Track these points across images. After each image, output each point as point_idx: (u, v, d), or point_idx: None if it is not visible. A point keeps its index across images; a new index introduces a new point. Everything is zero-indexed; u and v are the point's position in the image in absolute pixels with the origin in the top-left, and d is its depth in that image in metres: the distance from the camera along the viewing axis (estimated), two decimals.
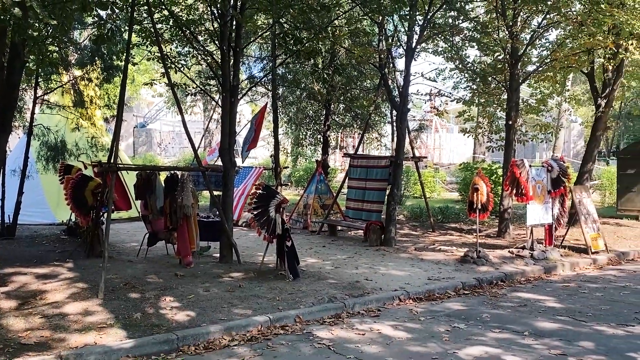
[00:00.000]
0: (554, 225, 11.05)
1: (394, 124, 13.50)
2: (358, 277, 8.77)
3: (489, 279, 9.03)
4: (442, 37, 13.42)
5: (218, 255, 9.83)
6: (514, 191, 10.45)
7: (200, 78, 15.04)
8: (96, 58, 13.15)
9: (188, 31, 10.22)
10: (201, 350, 5.76)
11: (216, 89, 12.58)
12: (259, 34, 12.50)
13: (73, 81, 13.73)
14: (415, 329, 6.51)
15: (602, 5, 10.89)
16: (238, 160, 11.34)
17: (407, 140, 13.50)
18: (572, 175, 13.44)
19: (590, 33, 11.70)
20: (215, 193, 10.48)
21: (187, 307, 6.84)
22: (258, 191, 8.54)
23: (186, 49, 12.09)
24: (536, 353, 5.67)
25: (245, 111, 29.23)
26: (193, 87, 12.93)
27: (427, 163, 28.59)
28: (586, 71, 14.11)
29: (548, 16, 12.79)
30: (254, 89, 16.24)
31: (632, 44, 11.22)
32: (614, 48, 11.91)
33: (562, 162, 11.21)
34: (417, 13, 11.87)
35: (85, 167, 10.94)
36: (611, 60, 12.64)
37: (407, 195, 21.47)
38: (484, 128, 16.18)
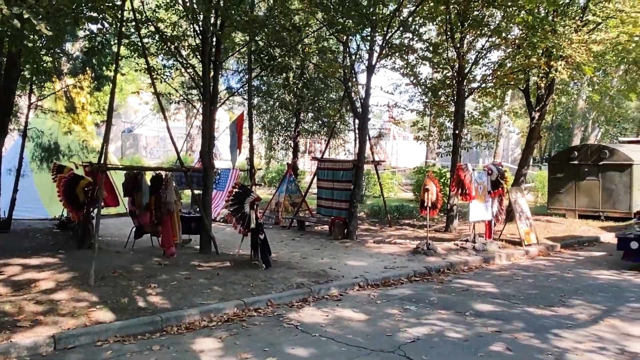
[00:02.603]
0: (493, 221, 11.33)
1: (356, 132, 13.65)
2: (323, 266, 8.87)
3: (437, 267, 9.23)
4: (399, 56, 13.61)
5: (198, 247, 9.80)
6: (459, 191, 10.70)
7: (183, 88, 14.95)
8: (87, 68, 12.94)
9: (172, 46, 10.17)
10: (183, 330, 5.78)
11: (197, 97, 12.52)
12: (237, 49, 12.49)
13: (65, 89, 13.47)
14: (372, 311, 6.65)
15: (537, 31, 11.22)
16: (219, 163, 11.31)
17: (367, 146, 13.67)
18: (509, 178, 13.83)
19: (526, 55, 12.05)
20: (197, 192, 10.44)
21: (170, 292, 6.83)
22: (235, 190, 8.57)
23: (170, 61, 12.00)
24: (475, 330, 5.87)
25: (223, 118, 29.02)
26: (177, 96, 12.84)
27: (385, 167, 28.89)
28: (522, 88, 14.47)
29: (490, 39, 13.10)
30: (231, 98, 16.19)
31: (561, 65, 11.58)
32: (546, 68, 12.25)
33: (500, 167, 11.52)
34: (377, 34, 12.04)
35: (77, 167, 10.74)
36: (544, 79, 13.01)
37: (367, 195, 21.63)
38: (434, 136, 16.45)
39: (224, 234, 11.82)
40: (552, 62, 11.85)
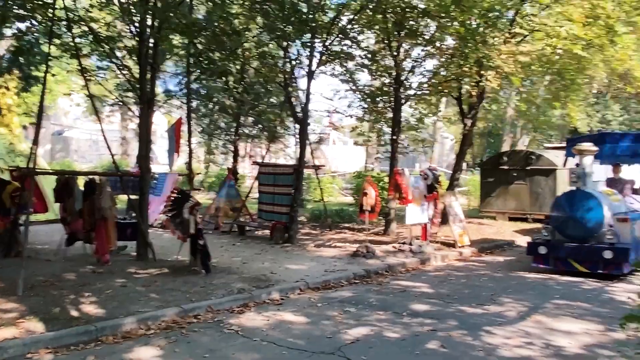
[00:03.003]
0: (429, 224, 11.76)
1: (297, 136, 13.74)
2: (264, 270, 8.87)
3: (375, 270, 9.45)
4: (338, 62, 13.85)
5: (135, 254, 9.55)
6: (397, 195, 11.03)
7: (119, 90, 14.47)
8: (14, 68, 12.30)
9: (107, 46, 9.86)
10: (119, 339, 5.62)
11: (134, 100, 12.19)
12: (175, 52, 12.27)
13: None
14: (313, 314, 6.73)
15: (469, 42, 11.74)
16: (157, 167, 11.05)
17: (308, 150, 13.81)
18: (443, 182, 14.38)
19: (459, 64, 12.58)
20: (133, 197, 10.16)
21: (105, 301, 6.63)
22: (173, 195, 8.43)
23: (105, 62, 11.62)
24: (412, 329, 6.08)
25: (161, 122, 28.33)
26: (112, 98, 12.44)
27: (325, 171, 29.18)
28: (455, 96, 15.06)
29: (426, 48, 13.58)
30: (169, 101, 15.86)
31: (490, 75, 12.17)
32: (477, 77, 12.82)
33: (435, 172, 11.99)
34: (317, 40, 12.21)
35: (2, 172, 10.20)
36: (475, 88, 13.60)
37: (308, 200, 21.78)
38: (373, 141, 16.81)
39: (161, 240, 11.53)
40: (482, 72, 12.43)
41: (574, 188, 9.53)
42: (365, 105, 15.43)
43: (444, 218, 12.94)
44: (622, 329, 3.35)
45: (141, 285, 7.51)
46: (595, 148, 9.52)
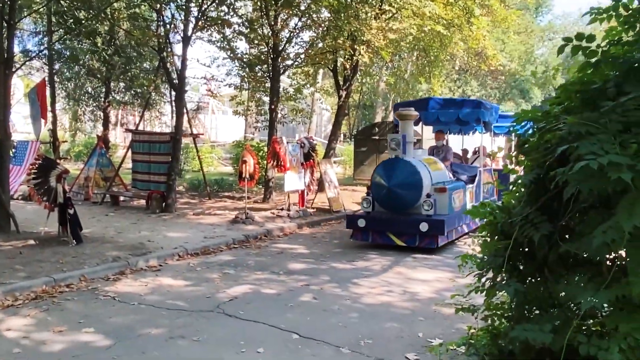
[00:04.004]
0: (305, 191, 12.31)
1: (173, 104, 13.45)
2: (141, 239, 8.78)
3: (254, 234, 9.79)
4: (215, 29, 13.69)
5: None
6: (275, 163, 11.38)
7: None
8: None
9: None
10: None
11: None
12: (34, 8, 11.31)
13: None
14: (192, 277, 6.90)
15: (342, 15, 12.29)
16: (16, 136, 10.23)
17: (185, 118, 13.58)
18: (320, 151, 15.01)
19: (334, 37, 13.13)
20: None
21: None
22: (37, 162, 7.96)
23: None
24: (288, 285, 6.53)
25: (18, 85, 25.74)
26: None
27: (204, 140, 28.70)
28: (331, 68, 15.69)
29: (302, 19, 13.93)
30: (29, 63, 14.57)
31: (363, 49, 12.90)
32: (351, 51, 13.50)
33: (312, 141, 12.51)
34: (192, 4, 11.96)
35: None
36: (349, 60, 14.31)
37: (187, 170, 21.39)
38: (252, 111, 16.96)
39: (25, 212, 10.80)
40: (356, 46, 13.11)
41: (392, 156, 8.81)
42: (244, 74, 15.47)
43: (321, 185, 13.59)
44: (459, 270, 4.01)
45: (5, 257, 7.10)
46: (415, 113, 9.07)
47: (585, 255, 3.09)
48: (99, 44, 14.20)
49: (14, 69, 9.23)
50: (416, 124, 10.61)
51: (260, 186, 15.51)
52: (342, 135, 26.82)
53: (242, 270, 7.29)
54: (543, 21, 42.35)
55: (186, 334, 4.80)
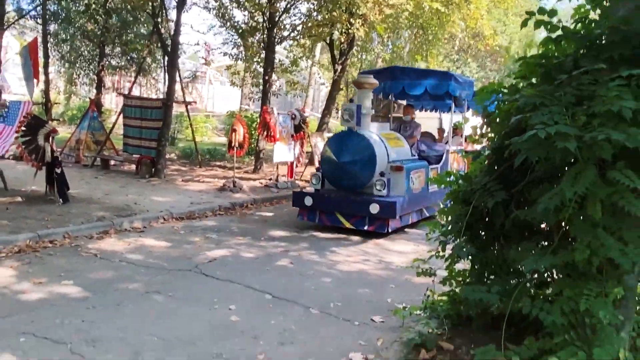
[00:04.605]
0: (295, 163, 12.41)
1: (166, 69, 13.44)
2: (128, 201, 8.90)
3: (240, 202, 9.92)
4: None
5: None
6: (265, 133, 11.46)
7: None
8: None
9: None
10: None
11: None
12: None
13: None
14: (175, 239, 7.05)
15: None
16: (9, 97, 10.24)
17: (179, 86, 13.60)
18: (311, 124, 15.07)
19: (330, 9, 13.08)
20: None
21: None
22: (26, 120, 8.03)
23: None
24: (267, 250, 6.69)
25: (12, 44, 25.52)
26: None
27: (200, 110, 28.66)
28: (327, 42, 15.65)
29: None
30: (22, 22, 14.48)
31: (359, 22, 12.87)
32: (347, 24, 13.46)
33: (303, 113, 12.56)
34: None
35: None
36: (345, 34, 14.27)
37: (180, 138, 21.44)
38: (247, 82, 16.97)
39: (14, 171, 10.88)
40: (352, 20, 13.07)
41: (344, 128, 8.03)
42: (239, 42, 15.42)
43: (311, 158, 13.70)
44: (427, 239, 4.16)
45: None
46: (374, 82, 8.12)
47: (538, 224, 3.24)
48: (92, 6, 14.08)
49: (5, 27, 9.20)
50: (384, 96, 10.20)
51: (252, 157, 15.62)
52: (337, 110, 26.78)
53: (224, 236, 7.44)
54: (547, 4, 41.96)
55: (162, 290, 4.97)
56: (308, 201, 7.98)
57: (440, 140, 10.94)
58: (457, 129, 10.82)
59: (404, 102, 11.22)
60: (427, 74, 9.30)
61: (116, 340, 3.83)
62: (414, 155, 8.99)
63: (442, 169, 9.03)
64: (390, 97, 10.69)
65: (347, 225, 7.77)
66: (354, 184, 7.85)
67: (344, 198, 7.82)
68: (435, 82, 8.95)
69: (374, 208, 7.45)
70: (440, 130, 11.89)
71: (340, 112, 8.00)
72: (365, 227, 7.66)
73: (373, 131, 8.17)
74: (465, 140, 10.41)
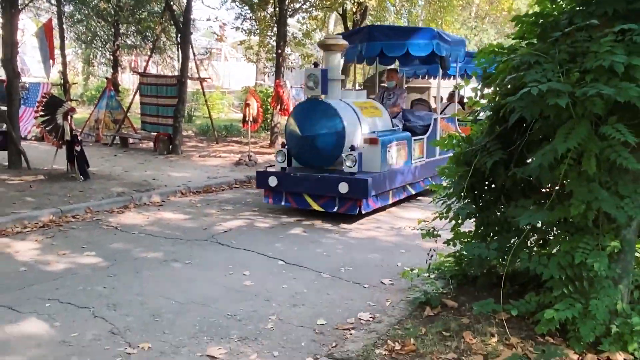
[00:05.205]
0: None
1: (179, 46, 13.54)
2: (146, 177, 9.14)
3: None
4: None
5: (7, 163, 9.31)
6: (279, 107, 11.54)
7: None
8: None
9: None
10: None
11: None
12: None
13: None
14: (192, 212, 7.26)
15: None
16: (29, 80, 10.48)
17: (193, 62, 13.70)
18: None
19: None
20: (2, 108, 9.69)
21: None
22: (44, 100, 8.26)
23: None
24: (280, 220, 6.85)
25: (29, 27, 25.85)
26: None
27: (216, 87, 28.79)
28: (340, 13, 15.53)
29: None
30: (38, 3, 14.68)
31: None
32: None
33: None
34: None
35: None
36: (357, 4, 14.16)
37: (197, 115, 21.67)
38: (262, 57, 17.00)
39: (37, 151, 11.23)
40: None
41: (308, 97, 7.09)
42: (252, 16, 15.41)
43: None
44: (433, 201, 4.25)
45: (15, 190, 7.52)
46: (343, 42, 7.17)
47: (538, 183, 3.30)
48: None
49: (20, 7, 9.38)
50: (359, 60, 9.24)
51: (268, 132, 15.74)
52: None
53: (239, 208, 7.62)
54: None
55: (179, 258, 5.17)
56: (272, 181, 7.04)
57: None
58: (453, 96, 10.15)
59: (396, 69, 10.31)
60: (409, 33, 8.15)
61: (135, 304, 4.05)
62: (396, 127, 8.00)
63: (429, 141, 8.12)
64: (375, 62, 9.90)
65: (316, 207, 6.85)
66: (321, 161, 6.97)
67: (311, 177, 6.81)
68: (418, 41, 7.83)
69: (343, 187, 6.50)
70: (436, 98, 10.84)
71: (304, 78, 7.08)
72: (335, 209, 6.73)
73: (344, 100, 7.26)
74: (464, 106, 9.91)
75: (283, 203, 7.16)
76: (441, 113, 9.14)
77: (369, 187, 6.51)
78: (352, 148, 6.72)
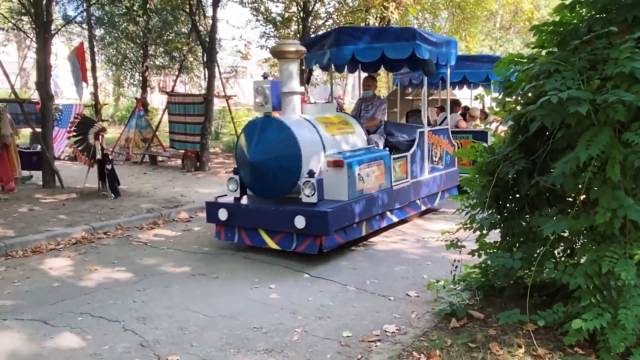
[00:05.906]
0: None
1: (205, 65, 13.84)
2: (175, 194, 9.32)
3: None
4: None
5: (41, 183, 9.63)
6: None
7: (12, 13, 13.70)
8: None
9: None
10: (29, 253, 5.99)
11: (30, 25, 11.72)
12: None
13: None
14: None
15: None
16: (62, 102, 10.85)
17: (218, 81, 13.97)
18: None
19: None
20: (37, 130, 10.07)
21: (13, 222, 6.89)
22: (77, 120, 8.54)
23: None
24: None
25: (62, 51, 26.80)
26: (4, 24, 11.87)
27: (242, 104, 29.22)
28: None
29: None
30: (70, 29, 15.24)
31: (393, 5, 12.85)
32: (382, 8, 13.47)
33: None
34: None
35: None
36: (380, 19, 14.25)
37: (224, 132, 22.00)
38: None
39: (69, 170, 11.57)
40: (385, 3, 13.06)
41: (258, 115, 6.13)
42: (276, 34, 15.67)
43: None
44: (458, 212, 4.23)
45: (49, 209, 7.76)
46: (300, 49, 6.01)
47: (562, 191, 3.27)
48: (133, 7, 14.64)
49: (53, 32, 9.75)
50: (326, 67, 8.00)
51: None
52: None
53: None
54: None
55: (207, 272, 5.26)
56: (222, 214, 5.93)
57: (464, 125, 9.26)
58: (456, 106, 9.56)
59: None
60: (383, 34, 6.97)
61: (164, 317, 4.13)
62: (373, 143, 6.86)
63: (414, 158, 7.07)
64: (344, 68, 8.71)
65: (273, 245, 5.74)
66: (275, 190, 5.84)
67: (265, 209, 5.73)
68: (394, 43, 6.72)
69: (300, 222, 5.39)
70: (439, 109, 10.24)
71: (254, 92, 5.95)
72: (293, 247, 5.61)
73: (304, 116, 6.17)
74: (465, 117, 9.37)
75: (236, 240, 6.02)
76: (440, 124, 8.31)
77: (330, 220, 5.32)
78: (311, 173, 5.59)
